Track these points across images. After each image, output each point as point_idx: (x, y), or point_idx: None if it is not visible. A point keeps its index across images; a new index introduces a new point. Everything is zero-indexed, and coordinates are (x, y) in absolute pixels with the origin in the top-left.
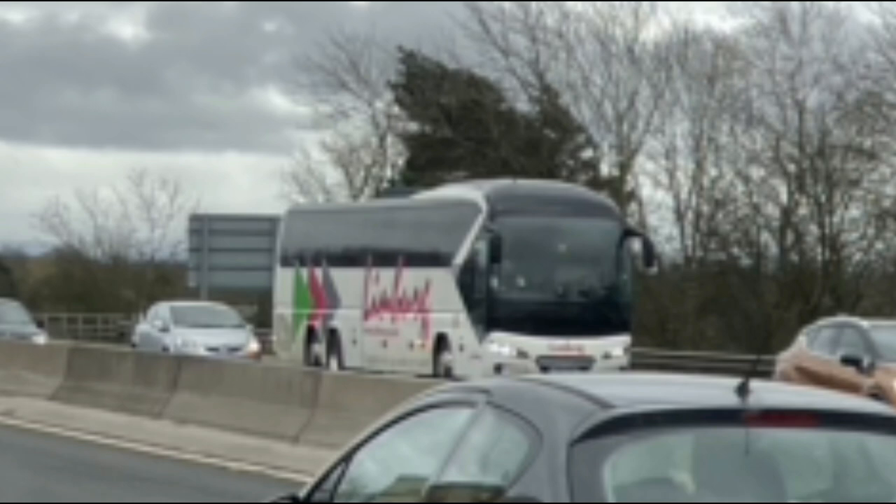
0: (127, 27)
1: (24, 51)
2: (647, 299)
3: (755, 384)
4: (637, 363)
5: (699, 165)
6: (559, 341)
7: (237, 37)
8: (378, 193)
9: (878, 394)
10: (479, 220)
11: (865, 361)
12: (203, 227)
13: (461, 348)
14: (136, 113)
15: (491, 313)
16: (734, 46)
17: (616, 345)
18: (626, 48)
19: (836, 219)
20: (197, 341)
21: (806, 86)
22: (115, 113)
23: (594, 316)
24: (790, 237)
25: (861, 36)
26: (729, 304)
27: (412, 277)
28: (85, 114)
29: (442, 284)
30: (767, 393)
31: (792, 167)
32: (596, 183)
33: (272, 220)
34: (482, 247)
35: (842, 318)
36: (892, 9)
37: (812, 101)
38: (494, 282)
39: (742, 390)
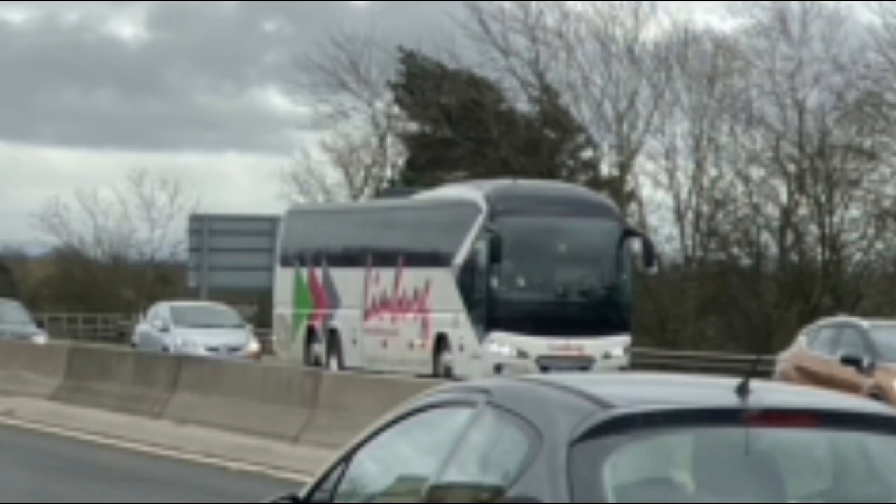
0: (127, 27)
1: (24, 51)
2: (648, 299)
3: (755, 384)
4: (637, 363)
5: (699, 165)
6: (559, 341)
7: (237, 37)
8: (378, 193)
9: (878, 394)
10: (479, 221)
11: (865, 361)
12: (203, 227)
13: (461, 348)
14: (137, 113)
15: (491, 313)
16: (734, 46)
17: (616, 345)
18: (626, 48)
19: (835, 219)
20: (197, 341)
21: (806, 86)
22: (115, 113)
23: (594, 316)
24: (790, 237)
25: (861, 36)
26: (729, 305)
27: (412, 277)
28: (85, 114)
29: (442, 284)
30: (767, 393)
31: (792, 167)
32: (596, 183)
33: (272, 220)
34: (482, 247)
35: (842, 319)
36: (892, 9)
37: (812, 101)
38: (494, 282)
39: (742, 390)
